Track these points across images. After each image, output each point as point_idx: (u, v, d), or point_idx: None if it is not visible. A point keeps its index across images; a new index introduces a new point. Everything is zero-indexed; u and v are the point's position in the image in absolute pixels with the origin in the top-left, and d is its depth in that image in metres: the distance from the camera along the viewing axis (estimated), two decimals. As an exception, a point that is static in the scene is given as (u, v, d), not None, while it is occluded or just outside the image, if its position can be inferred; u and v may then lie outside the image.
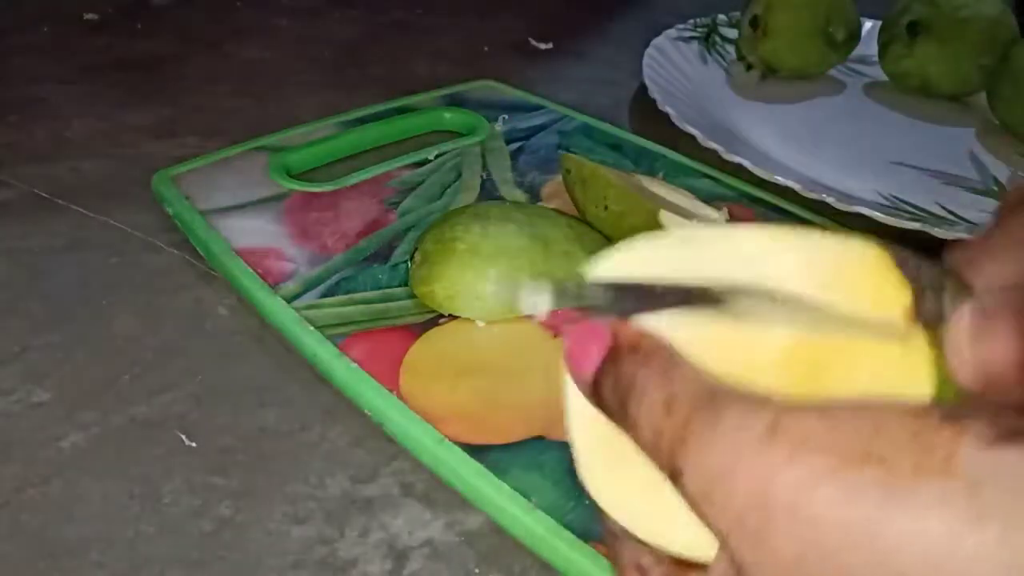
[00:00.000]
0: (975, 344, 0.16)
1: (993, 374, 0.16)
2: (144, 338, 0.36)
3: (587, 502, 0.27)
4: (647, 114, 0.54)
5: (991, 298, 0.16)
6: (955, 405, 0.14)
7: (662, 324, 0.18)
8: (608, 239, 0.39)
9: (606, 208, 0.37)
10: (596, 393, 0.18)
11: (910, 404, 0.15)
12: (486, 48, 0.69)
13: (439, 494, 0.30)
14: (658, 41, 0.62)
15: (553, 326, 0.35)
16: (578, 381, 0.19)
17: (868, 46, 0.65)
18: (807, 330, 0.17)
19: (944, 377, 0.16)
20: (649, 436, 0.17)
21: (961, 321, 0.16)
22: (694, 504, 0.16)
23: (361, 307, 0.36)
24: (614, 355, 0.18)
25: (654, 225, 0.35)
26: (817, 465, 0.14)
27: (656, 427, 0.16)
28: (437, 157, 0.47)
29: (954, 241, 0.17)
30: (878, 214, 0.44)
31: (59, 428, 0.32)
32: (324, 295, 0.36)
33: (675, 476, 0.16)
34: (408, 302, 0.36)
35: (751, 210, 0.44)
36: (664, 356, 0.18)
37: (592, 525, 0.27)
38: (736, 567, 0.16)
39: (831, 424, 0.15)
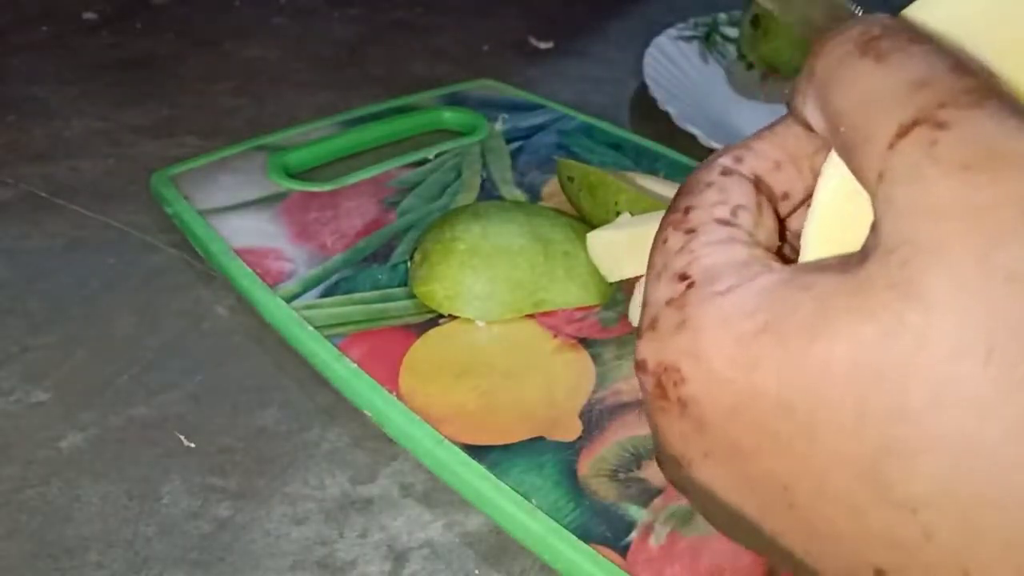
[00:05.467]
0: None
1: None
2: (143, 338, 0.36)
3: (587, 502, 0.27)
4: (647, 114, 0.54)
5: None
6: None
7: None
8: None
9: (618, 214, 0.37)
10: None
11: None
12: (486, 47, 0.69)
13: (439, 495, 0.30)
14: (658, 40, 0.62)
15: (553, 326, 0.35)
16: None
17: (869, 45, 0.65)
18: None
19: None
20: (904, 76, 0.14)
21: None
22: (925, 159, 0.13)
23: (360, 307, 0.36)
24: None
25: None
26: None
27: (925, 74, 0.14)
28: (437, 157, 0.47)
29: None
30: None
31: (58, 428, 0.32)
32: (323, 295, 0.36)
33: (920, 122, 0.14)
34: (408, 302, 0.36)
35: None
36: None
37: (592, 526, 0.27)
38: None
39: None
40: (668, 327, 0.16)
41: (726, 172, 0.18)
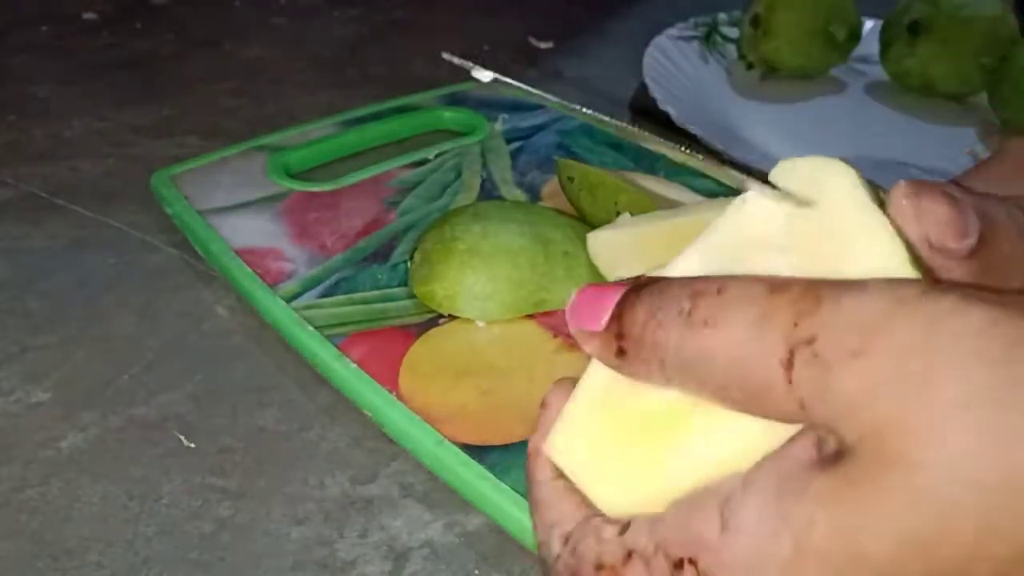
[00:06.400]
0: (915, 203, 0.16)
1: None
2: (143, 338, 0.36)
3: (587, 503, 0.27)
4: (647, 114, 0.54)
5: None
6: None
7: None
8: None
9: (618, 214, 0.37)
10: (622, 320, 0.17)
11: None
12: (486, 48, 0.69)
13: (439, 495, 0.30)
14: (659, 40, 0.62)
15: (553, 326, 0.35)
16: (584, 324, 0.17)
17: (869, 45, 0.65)
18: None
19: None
20: (743, 325, 0.15)
21: (898, 188, 0.16)
22: (821, 372, 0.14)
23: (360, 307, 0.36)
24: (640, 287, 0.17)
25: None
26: (986, 314, 0.13)
27: (759, 311, 0.15)
28: (437, 157, 0.47)
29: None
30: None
31: (58, 428, 0.32)
32: (323, 295, 0.36)
33: (793, 349, 0.14)
34: (408, 302, 0.36)
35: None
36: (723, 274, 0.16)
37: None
38: (826, 448, 0.14)
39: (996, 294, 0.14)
40: None
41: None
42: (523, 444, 0.29)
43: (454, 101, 0.53)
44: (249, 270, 0.37)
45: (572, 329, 0.18)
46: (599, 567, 0.16)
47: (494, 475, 0.28)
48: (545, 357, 0.33)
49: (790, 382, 0.14)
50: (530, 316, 0.35)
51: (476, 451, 0.29)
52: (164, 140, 0.52)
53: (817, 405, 0.14)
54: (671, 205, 0.37)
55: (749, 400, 0.15)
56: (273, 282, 0.36)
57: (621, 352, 0.17)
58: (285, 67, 0.64)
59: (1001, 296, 0.14)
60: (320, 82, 0.61)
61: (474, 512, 0.29)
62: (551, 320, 0.35)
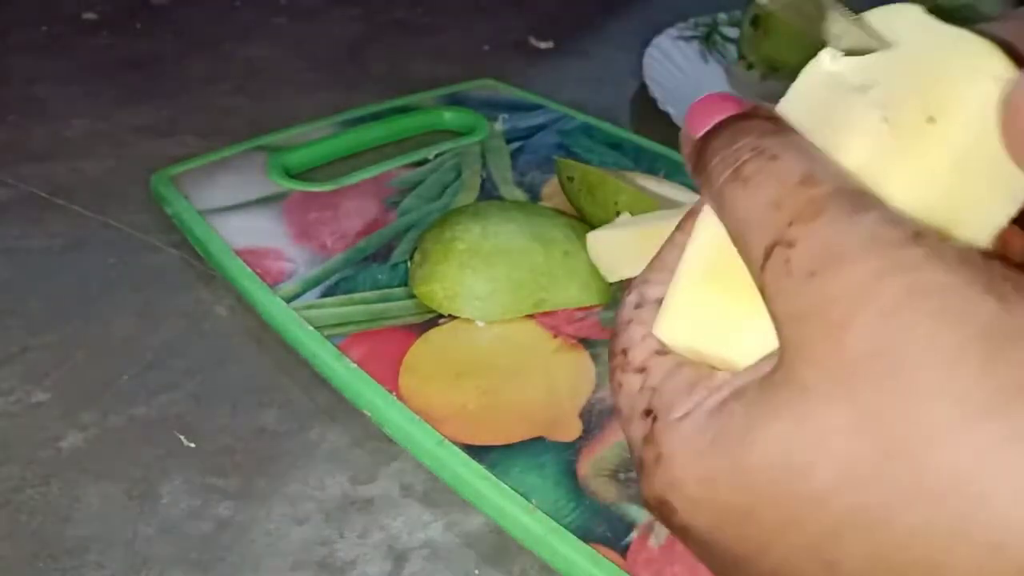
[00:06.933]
0: None
1: None
2: (143, 338, 0.36)
3: (587, 502, 0.27)
4: (647, 114, 0.54)
5: None
6: None
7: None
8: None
9: (618, 214, 0.37)
10: (705, 141, 0.18)
11: None
12: (486, 47, 0.69)
13: (439, 495, 0.30)
14: (658, 40, 0.62)
15: (553, 326, 0.35)
16: (691, 126, 0.18)
17: (869, 45, 0.65)
18: None
19: None
20: (763, 199, 0.16)
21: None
22: (783, 276, 0.15)
23: (360, 307, 0.36)
24: (746, 116, 0.17)
25: None
26: (939, 283, 0.13)
27: (778, 194, 0.16)
28: (437, 157, 0.47)
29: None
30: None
31: (58, 428, 0.32)
32: (323, 295, 0.36)
33: (777, 244, 0.15)
34: (408, 302, 0.36)
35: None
36: (801, 140, 0.17)
37: (592, 526, 0.27)
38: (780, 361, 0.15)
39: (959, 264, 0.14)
40: (650, 464, 0.17)
41: (639, 305, 0.19)
42: (523, 444, 0.30)
43: (454, 101, 0.53)
44: (249, 270, 0.37)
45: (686, 126, 0.19)
46: (622, 361, 0.19)
47: (494, 475, 0.28)
48: (545, 357, 0.33)
49: (763, 269, 0.15)
50: (530, 316, 0.35)
51: (476, 451, 0.29)
52: (164, 140, 0.52)
53: (772, 300, 0.15)
54: (671, 205, 0.37)
55: (745, 261, 0.16)
56: (273, 282, 0.36)
57: (694, 165, 0.18)
58: (285, 67, 0.64)
59: (970, 253, 0.14)
60: (320, 82, 0.61)
61: (474, 512, 0.29)
62: (551, 320, 0.35)
